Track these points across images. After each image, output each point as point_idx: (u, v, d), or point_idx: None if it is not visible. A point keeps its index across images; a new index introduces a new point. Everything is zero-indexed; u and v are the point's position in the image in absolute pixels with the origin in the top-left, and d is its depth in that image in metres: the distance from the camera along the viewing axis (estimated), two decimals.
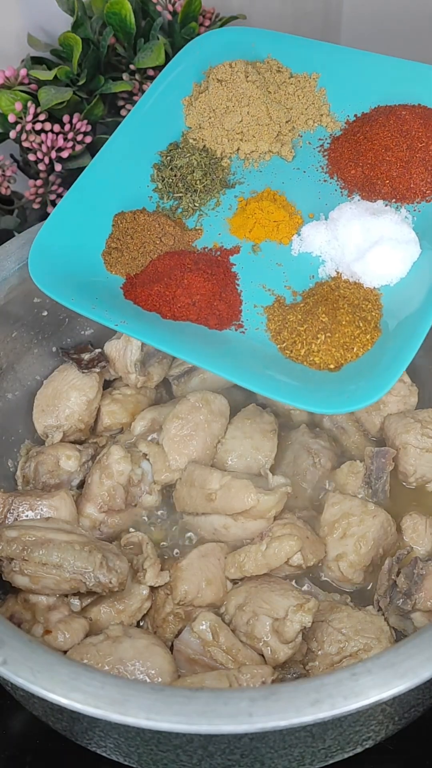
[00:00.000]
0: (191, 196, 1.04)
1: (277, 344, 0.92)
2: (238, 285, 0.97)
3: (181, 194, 1.04)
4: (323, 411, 0.86)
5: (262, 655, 0.89)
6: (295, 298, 0.95)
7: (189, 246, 1.01)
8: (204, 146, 1.07)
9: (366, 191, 1.00)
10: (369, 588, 0.98)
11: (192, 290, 0.94)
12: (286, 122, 1.07)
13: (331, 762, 0.85)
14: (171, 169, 1.05)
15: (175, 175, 1.05)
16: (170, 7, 1.25)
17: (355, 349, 0.89)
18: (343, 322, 0.90)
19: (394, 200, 0.99)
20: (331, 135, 1.07)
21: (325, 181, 1.03)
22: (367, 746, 0.85)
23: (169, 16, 1.25)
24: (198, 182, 1.04)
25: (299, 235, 1.00)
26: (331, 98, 1.09)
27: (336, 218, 0.97)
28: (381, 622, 0.91)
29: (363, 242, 0.94)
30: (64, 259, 1.00)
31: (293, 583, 0.96)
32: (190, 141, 1.08)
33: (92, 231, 1.02)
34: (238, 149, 1.07)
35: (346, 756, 0.85)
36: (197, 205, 1.04)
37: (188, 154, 1.05)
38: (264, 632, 0.89)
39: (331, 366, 0.89)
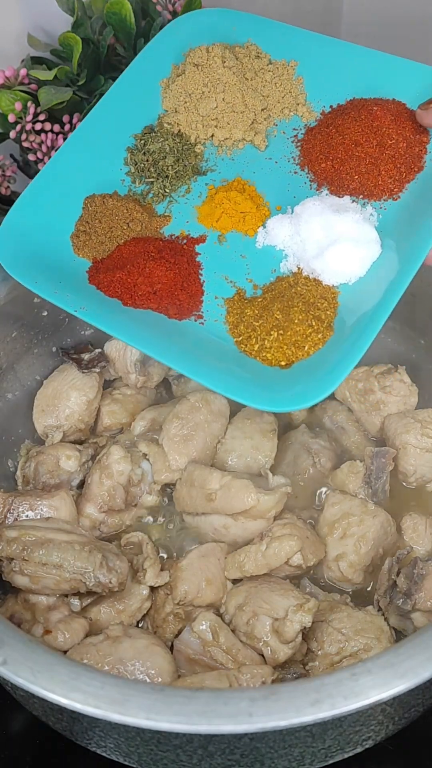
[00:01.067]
0: (162, 181, 1.04)
1: (233, 337, 0.92)
2: (201, 275, 0.97)
3: (152, 179, 1.04)
4: (269, 409, 0.86)
5: (262, 655, 0.89)
6: (256, 291, 0.95)
7: (156, 232, 1.00)
8: (179, 131, 1.06)
9: (334, 185, 0.99)
10: (369, 588, 0.98)
11: (153, 279, 0.94)
12: (262, 110, 1.06)
13: (331, 762, 0.85)
14: (144, 153, 1.05)
15: (147, 160, 1.04)
16: (170, 7, 1.24)
17: (306, 348, 0.89)
18: (296, 321, 0.90)
19: (361, 196, 0.98)
20: (306, 125, 1.06)
21: (295, 173, 1.03)
22: (367, 746, 0.85)
23: (169, 16, 1.25)
24: (169, 168, 1.03)
25: (265, 227, 0.99)
26: (308, 87, 1.08)
27: (299, 213, 0.96)
28: (381, 622, 0.91)
29: (323, 239, 0.94)
30: (33, 240, 0.99)
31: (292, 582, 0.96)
32: (165, 125, 1.07)
33: (62, 213, 1.02)
34: (212, 136, 1.06)
35: (346, 756, 0.85)
36: (168, 191, 1.03)
37: (161, 139, 1.05)
38: (264, 632, 0.89)
39: (282, 363, 0.89)
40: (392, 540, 1.00)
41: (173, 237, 1.00)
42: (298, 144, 1.05)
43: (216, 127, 1.05)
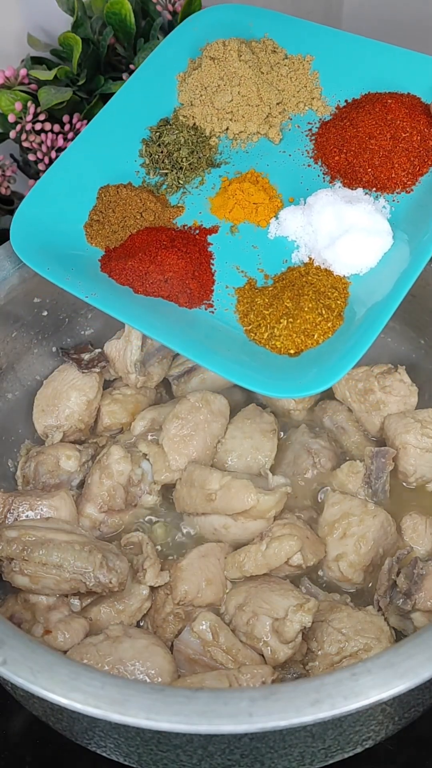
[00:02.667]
0: (176, 173, 1.04)
1: (243, 326, 0.93)
2: (212, 265, 0.97)
3: (166, 171, 1.04)
4: (277, 395, 0.87)
5: (262, 655, 0.89)
6: (267, 281, 0.96)
7: (169, 223, 1.01)
8: (194, 124, 1.07)
9: (348, 178, 1.00)
10: (369, 588, 0.98)
11: (165, 267, 0.94)
12: (277, 104, 1.07)
13: (331, 762, 0.85)
14: (158, 145, 1.05)
15: (162, 152, 1.04)
16: (170, 7, 1.24)
17: (315, 336, 0.90)
18: (306, 309, 0.90)
19: (374, 189, 0.98)
20: (320, 119, 1.06)
21: (309, 165, 1.03)
22: (367, 746, 0.85)
23: (169, 16, 1.25)
24: (184, 160, 1.04)
25: (277, 218, 1.00)
26: (324, 82, 1.08)
27: (312, 204, 0.97)
28: (381, 622, 0.91)
29: (335, 230, 0.94)
30: (47, 228, 1.00)
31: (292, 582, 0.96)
32: (181, 118, 1.07)
33: (77, 202, 1.03)
34: (227, 129, 1.06)
35: (346, 756, 0.85)
36: (182, 182, 1.04)
37: (176, 131, 1.05)
38: (264, 632, 0.89)
39: (291, 351, 0.90)
40: (392, 540, 1.00)
41: (186, 227, 1.01)
42: (313, 138, 1.05)
43: (231, 120, 1.06)
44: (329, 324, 0.90)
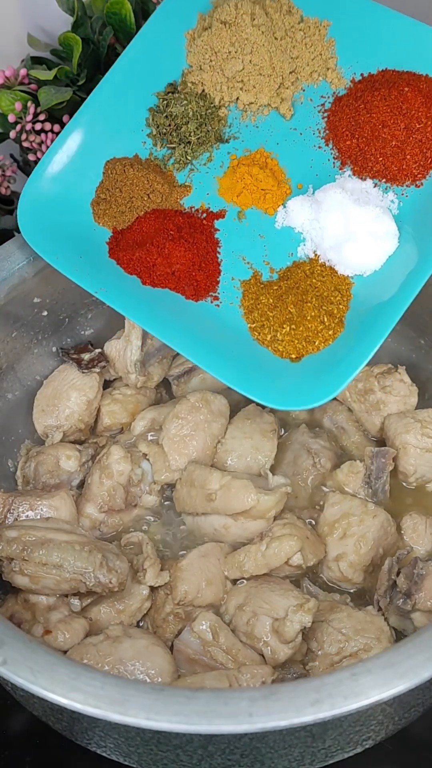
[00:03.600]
0: (184, 147, 1.02)
1: (248, 323, 0.93)
2: (219, 254, 0.97)
3: (174, 145, 1.02)
4: (279, 407, 0.87)
5: (262, 655, 0.89)
6: (272, 275, 0.95)
7: (177, 204, 1.00)
8: (203, 90, 1.03)
9: (358, 165, 0.98)
10: (369, 588, 0.98)
11: (172, 260, 0.95)
12: (290, 73, 1.02)
13: (331, 762, 0.85)
14: (166, 116, 1.02)
15: (169, 125, 1.02)
16: None
17: (317, 343, 0.91)
18: (308, 317, 0.91)
19: (384, 180, 0.97)
20: (334, 93, 1.02)
21: (319, 147, 1.01)
22: (367, 746, 0.85)
23: None
24: (192, 134, 1.01)
25: (285, 207, 0.99)
26: (340, 51, 1.03)
27: (320, 201, 0.96)
28: (381, 622, 0.91)
29: (342, 231, 0.94)
30: (54, 208, 0.99)
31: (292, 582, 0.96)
32: (189, 84, 1.04)
33: (83, 177, 1.01)
34: (237, 99, 1.03)
35: (346, 756, 0.85)
36: (189, 158, 1.02)
37: (185, 102, 1.01)
38: (264, 632, 0.89)
39: (293, 356, 0.91)
40: (392, 540, 1.00)
41: (193, 209, 1.00)
42: (325, 114, 1.02)
43: (241, 90, 1.02)
44: (330, 331, 0.91)
